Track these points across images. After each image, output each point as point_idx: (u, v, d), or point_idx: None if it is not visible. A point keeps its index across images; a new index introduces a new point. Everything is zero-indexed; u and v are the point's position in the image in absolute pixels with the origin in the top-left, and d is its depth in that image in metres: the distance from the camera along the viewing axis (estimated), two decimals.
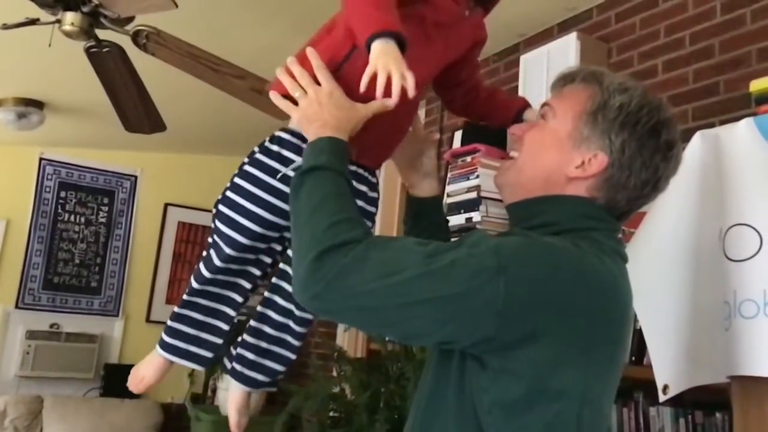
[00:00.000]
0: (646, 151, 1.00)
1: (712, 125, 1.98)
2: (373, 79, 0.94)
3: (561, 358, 0.89)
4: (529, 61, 2.56)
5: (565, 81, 1.10)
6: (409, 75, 0.93)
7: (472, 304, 0.87)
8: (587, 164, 1.01)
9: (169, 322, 1.20)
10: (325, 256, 0.89)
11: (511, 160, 1.11)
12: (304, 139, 1.07)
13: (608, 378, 0.97)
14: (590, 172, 1.01)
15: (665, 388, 1.41)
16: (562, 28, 2.71)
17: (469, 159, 2.64)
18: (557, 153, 1.03)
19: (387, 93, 0.94)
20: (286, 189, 1.05)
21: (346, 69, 1.06)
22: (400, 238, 1.01)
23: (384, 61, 0.93)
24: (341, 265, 0.88)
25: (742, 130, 1.40)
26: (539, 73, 2.48)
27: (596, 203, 1.02)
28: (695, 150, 1.46)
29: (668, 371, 1.42)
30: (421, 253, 0.90)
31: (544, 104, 1.10)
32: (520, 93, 2.55)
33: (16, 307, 4.42)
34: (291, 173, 1.07)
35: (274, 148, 1.12)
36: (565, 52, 2.42)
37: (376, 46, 0.95)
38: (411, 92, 0.93)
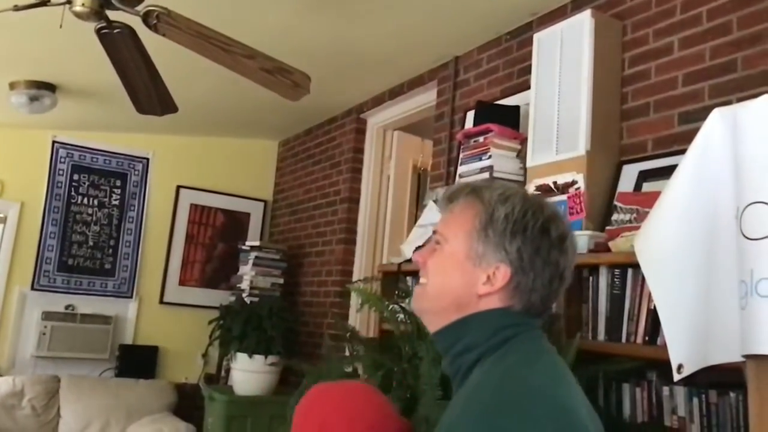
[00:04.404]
0: (542, 250, 1.06)
1: (728, 103, 1.95)
2: None
3: None
4: (542, 39, 2.53)
5: (449, 201, 1.16)
6: None
7: None
8: (493, 278, 1.06)
9: None
10: None
11: (422, 287, 1.15)
12: None
13: None
14: (498, 285, 1.06)
15: (680, 367, 1.40)
16: (576, 5, 2.67)
17: (481, 139, 2.62)
18: (461, 275, 1.08)
19: None
20: None
21: None
22: None
23: None
24: None
25: (761, 107, 1.37)
26: (553, 51, 2.45)
27: (513, 310, 1.07)
28: (713, 127, 1.43)
29: (683, 350, 1.41)
30: None
31: (434, 231, 1.15)
32: (534, 72, 2.52)
33: (32, 288, 4.48)
34: None
35: None
36: (579, 31, 2.38)
37: None
38: None
